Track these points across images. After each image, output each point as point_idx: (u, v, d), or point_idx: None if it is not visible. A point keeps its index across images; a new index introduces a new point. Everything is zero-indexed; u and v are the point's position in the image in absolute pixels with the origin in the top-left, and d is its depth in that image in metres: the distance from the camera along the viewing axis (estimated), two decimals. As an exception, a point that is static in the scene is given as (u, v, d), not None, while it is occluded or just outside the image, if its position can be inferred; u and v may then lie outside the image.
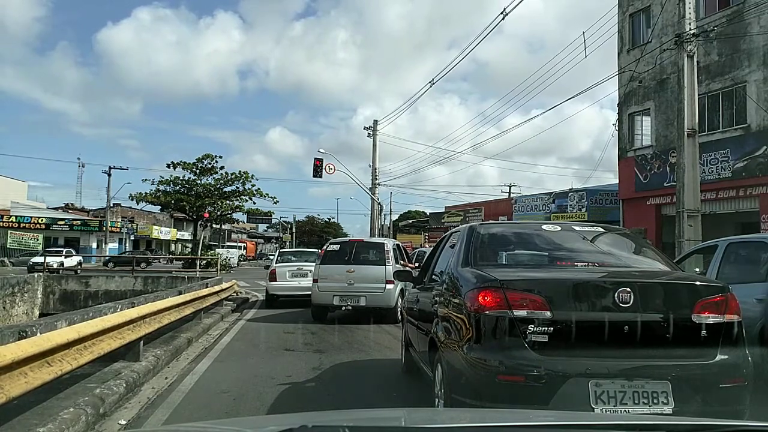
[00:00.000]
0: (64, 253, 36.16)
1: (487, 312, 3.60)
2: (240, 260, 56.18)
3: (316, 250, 18.47)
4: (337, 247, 12.53)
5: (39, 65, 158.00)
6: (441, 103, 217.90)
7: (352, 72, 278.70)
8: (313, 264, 13.11)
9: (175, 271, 28.05)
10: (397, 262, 12.23)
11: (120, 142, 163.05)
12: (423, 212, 71.30)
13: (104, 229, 46.56)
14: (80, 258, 36.46)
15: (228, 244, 62.98)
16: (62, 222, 48.64)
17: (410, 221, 67.88)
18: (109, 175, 45.24)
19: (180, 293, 10.11)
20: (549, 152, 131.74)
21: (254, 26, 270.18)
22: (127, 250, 52.11)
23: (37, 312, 19.33)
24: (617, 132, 22.60)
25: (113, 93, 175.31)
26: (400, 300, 11.00)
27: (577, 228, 4.82)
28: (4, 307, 17.10)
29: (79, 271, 29.10)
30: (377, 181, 33.01)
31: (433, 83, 26.98)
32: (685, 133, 11.90)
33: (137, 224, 54.09)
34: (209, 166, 41.32)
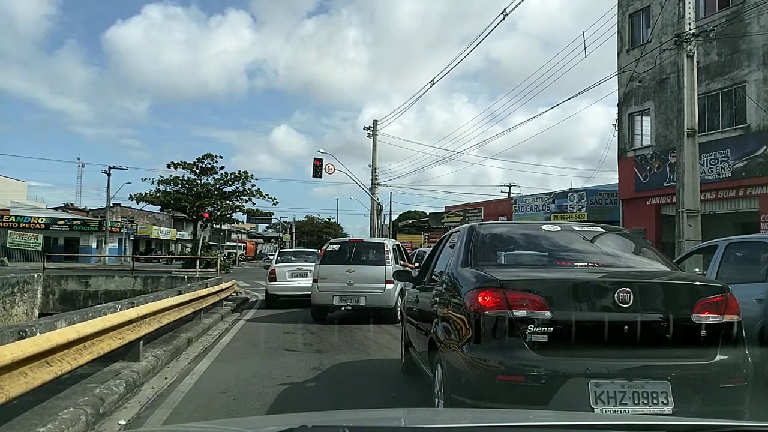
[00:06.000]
0: None
1: (486, 312, 3.60)
2: (239, 260, 56.28)
3: (316, 250, 18.45)
4: (336, 247, 12.53)
5: (46, 64, 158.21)
6: (450, 102, 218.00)
7: (362, 71, 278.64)
8: (313, 264, 13.11)
9: (175, 271, 27.98)
10: (396, 262, 12.23)
11: (122, 141, 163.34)
12: (423, 212, 71.32)
13: (104, 229, 46.53)
14: None
15: (228, 244, 62.97)
16: (62, 222, 48.53)
17: (410, 221, 67.85)
18: (109, 175, 45.25)
19: (180, 293, 10.10)
20: (554, 152, 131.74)
21: (265, 24, 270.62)
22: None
23: (36, 312, 19.30)
24: (617, 132, 22.62)
25: (118, 92, 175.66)
26: (399, 300, 11.00)
27: (576, 228, 4.82)
28: (4, 307, 17.09)
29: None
30: (377, 181, 33.00)
31: (434, 83, 26.93)
32: (685, 133, 11.90)
33: (137, 224, 53.99)
34: (209, 166, 41.30)
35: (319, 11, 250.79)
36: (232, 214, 47.22)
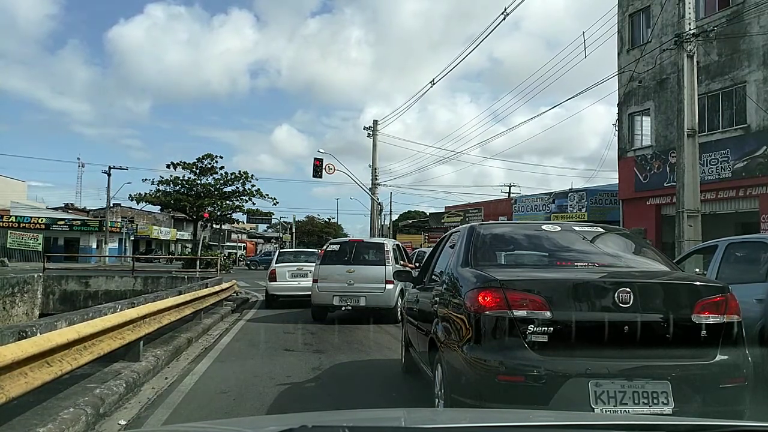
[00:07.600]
0: None
1: (487, 312, 3.60)
2: (239, 260, 56.33)
3: (316, 250, 18.44)
4: (336, 247, 12.53)
5: (47, 64, 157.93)
6: (453, 101, 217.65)
7: (364, 71, 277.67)
8: (313, 264, 13.12)
9: (175, 271, 27.97)
10: (396, 262, 12.23)
11: (123, 141, 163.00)
12: (423, 212, 71.32)
13: (104, 229, 46.54)
14: None
15: (228, 244, 62.96)
16: (62, 222, 48.51)
17: (410, 221, 67.86)
18: (109, 175, 45.24)
19: (180, 293, 10.11)
20: (555, 152, 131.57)
21: (268, 24, 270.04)
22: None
23: (37, 312, 19.31)
24: (617, 132, 22.63)
25: (120, 92, 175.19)
26: (400, 300, 11.00)
27: (577, 228, 4.82)
28: (4, 308, 17.10)
29: None
30: (377, 181, 33.00)
31: (434, 83, 26.95)
32: (685, 133, 11.89)
33: (137, 224, 53.97)
34: (209, 166, 41.30)
35: (323, 11, 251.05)
36: (232, 214, 47.19)
